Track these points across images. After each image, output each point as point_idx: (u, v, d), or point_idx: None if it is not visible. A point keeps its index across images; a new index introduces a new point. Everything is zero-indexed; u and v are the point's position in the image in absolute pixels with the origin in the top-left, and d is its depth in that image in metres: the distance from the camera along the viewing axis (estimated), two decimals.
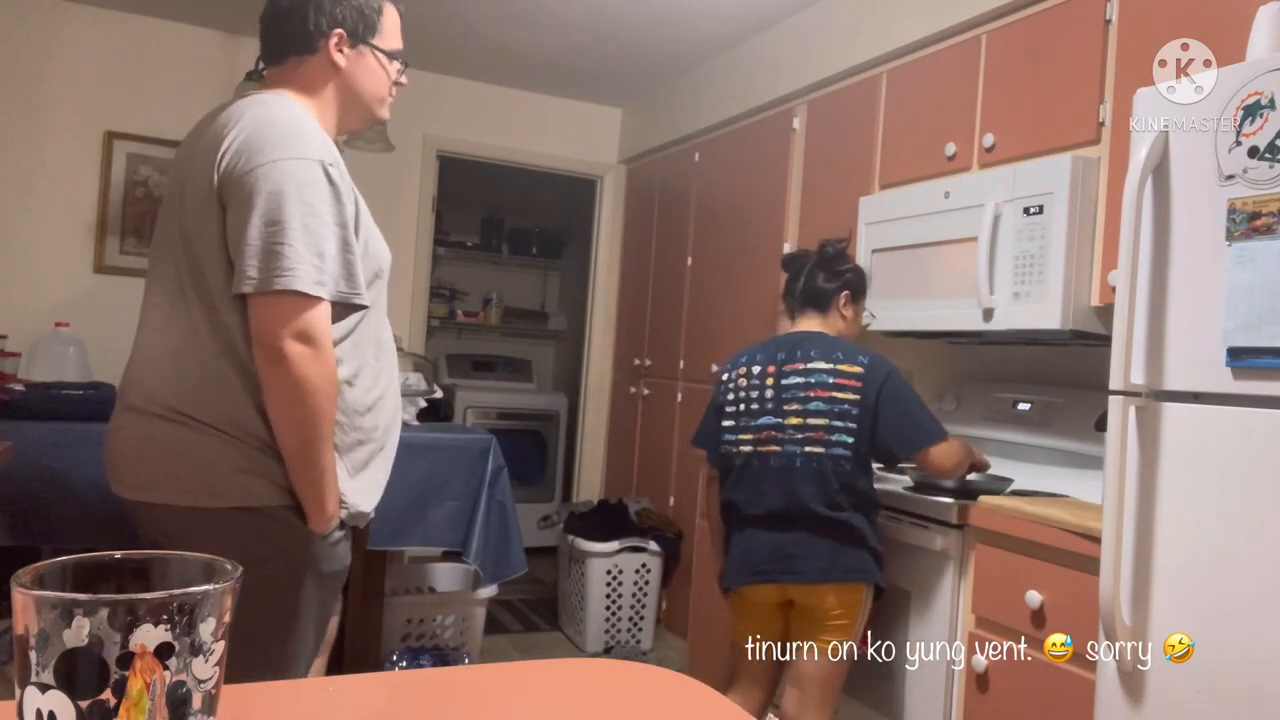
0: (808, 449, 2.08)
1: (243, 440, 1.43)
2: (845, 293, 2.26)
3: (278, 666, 1.47)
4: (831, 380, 2.09)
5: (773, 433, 2.13)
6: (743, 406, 2.20)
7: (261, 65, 1.63)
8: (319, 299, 1.39)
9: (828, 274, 2.27)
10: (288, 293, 1.36)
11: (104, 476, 1.55)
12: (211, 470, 1.42)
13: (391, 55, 1.63)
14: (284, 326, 1.37)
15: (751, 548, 2.16)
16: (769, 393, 2.15)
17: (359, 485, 1.55)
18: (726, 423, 2.23)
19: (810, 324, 2.25)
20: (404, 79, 1.68)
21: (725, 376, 2.28)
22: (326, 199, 1.41)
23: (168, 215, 1.53)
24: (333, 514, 1.48)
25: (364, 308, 1.50)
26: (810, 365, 2.12)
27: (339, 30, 1.55)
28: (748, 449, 2.17)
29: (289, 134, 1.42)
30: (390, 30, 1.63)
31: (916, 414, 2.09)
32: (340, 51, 1.56)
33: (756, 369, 2.20)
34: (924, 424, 2.08)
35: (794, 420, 2.10)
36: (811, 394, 2.10)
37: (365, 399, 1.54)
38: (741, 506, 2.17)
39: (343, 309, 1.47)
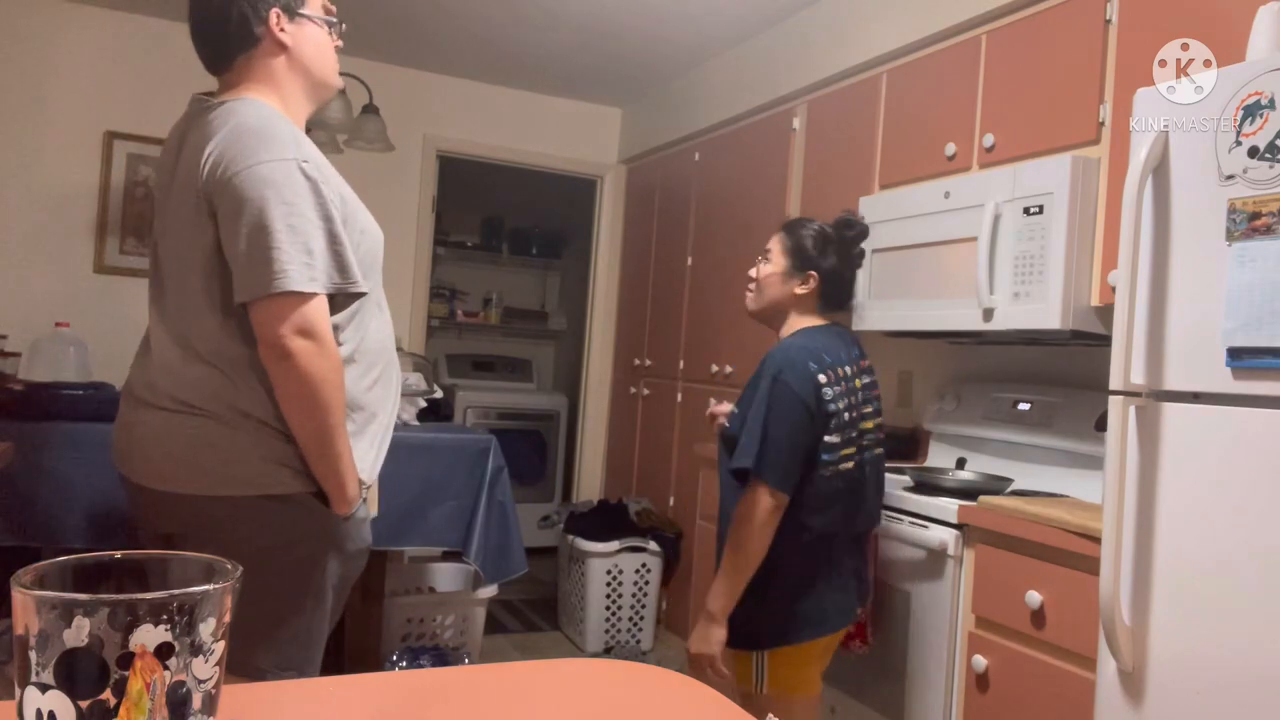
0: (877, 451, 2.01)
1: (266, 432, 1.48)
2: None
3: (304, 642, 1.54)
4: (876, 379, 2.06)
5: (860, 441, 1.96)
6: (847, 416, 1.91)
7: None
8: (313, 294, 1.43)
9: (854, 267, 2.11)
10: (282, 294, 1.40)
11: (104, 476, 1.57)
12: (238, 461, 1.47)
13: (327, 20, 1.62)
14: (283, 324, 1.40)
15: (844, 581, 1.94)
16: (859, 395, 1.96)
17: (365, 457, 1.59)
18: (831, 438, 1.89)
19: (837, 318, 2.12)
20: (340, 42, 1.66)
21: (822, 379, 1.88)
22: (307, 196, 1.44)
23: (160, 225, 1.57)
24: (354, 497, 1.54)
25: (363, 294, 1.53)
26: (867, 363, 2.05)
27: (274, 9, 1.55)
28: (850, 465, 1.92)
29: (261, 138, 1.45)
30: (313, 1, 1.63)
31: None
32: (282, 30, 1.56)
33: (846, 369, 1.94)
34: None
35: (869, 424, 1.98)
36: (875, 394, 2.04)
37: (367, 377, 1.59)
38: (840, 534, 1.94)
39: (344, 298, 1.51)
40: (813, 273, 2.03)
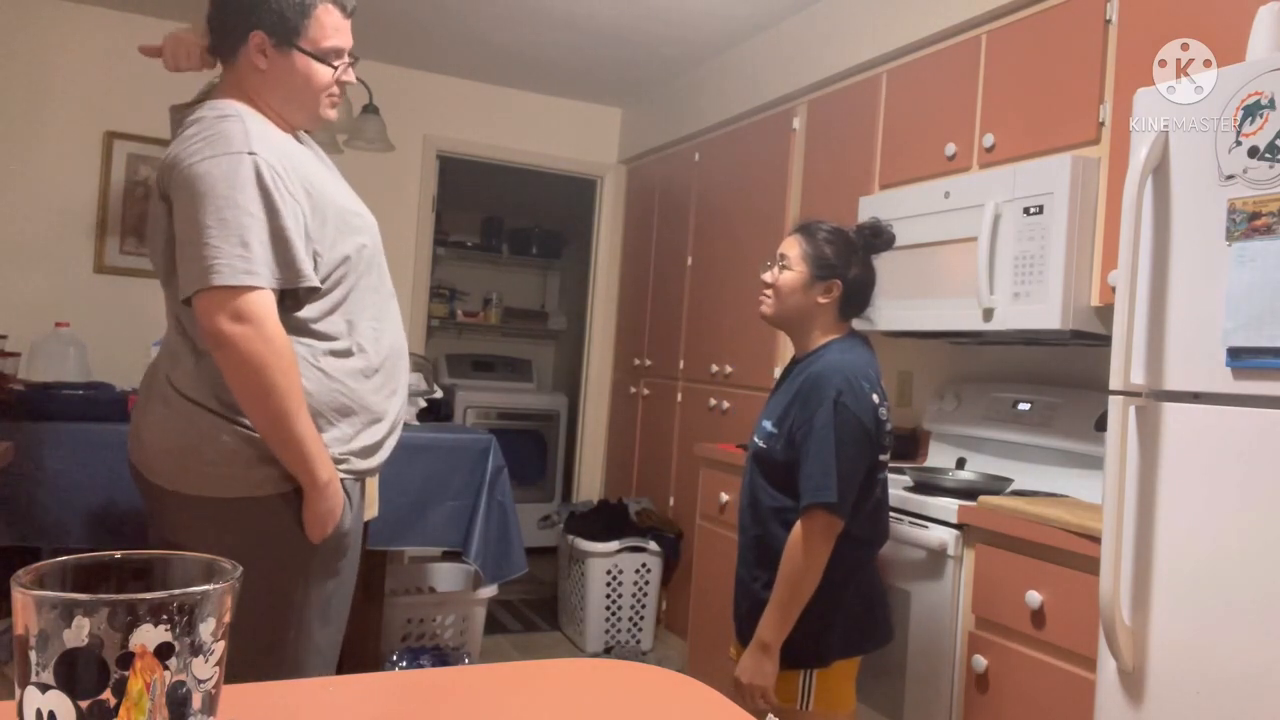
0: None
1: (246, 429, 1.48)
2: None
3: (291, 667, 1.54)
4: None
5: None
6: (891, 431, 1.94)
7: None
8: (250, 287, 1.41)
9: (875, 276, 2.00)
10: (214, 289, 1.39)
11: (104, 476, 1.58)
12: (221, 456, 1.48)
13: (321, 57, 1.57)
14: (218, 313, 1.40)
15: (882, 594, 1.99)
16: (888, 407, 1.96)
17: (362, 450, 1.59)
18: (884, 456, 1.91)
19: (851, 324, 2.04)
20: (350, 76, 1.63)
21: (875, 398, 1.85)
22: (248, 189, 1.42)
23: None
24: (327, 479, 1.49)
25: (315, 289, 1.50)
26: None
27: (258, 32, 1.53)
28: (886, 477, 1.98)
29: (211, 135, 1.46)
30: (323, 30, 1.57)
31: None
32: (262, 54, 1.54)
33: (882, 383, 1.93)
34: None
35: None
36: None
37: (367, 364, 1.59)
38: (877, 547, 1.97)
39: (306, 294, 1.50)
40: (837, 281, 1.93)
